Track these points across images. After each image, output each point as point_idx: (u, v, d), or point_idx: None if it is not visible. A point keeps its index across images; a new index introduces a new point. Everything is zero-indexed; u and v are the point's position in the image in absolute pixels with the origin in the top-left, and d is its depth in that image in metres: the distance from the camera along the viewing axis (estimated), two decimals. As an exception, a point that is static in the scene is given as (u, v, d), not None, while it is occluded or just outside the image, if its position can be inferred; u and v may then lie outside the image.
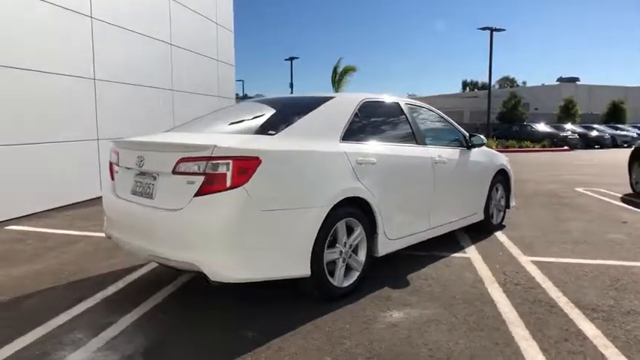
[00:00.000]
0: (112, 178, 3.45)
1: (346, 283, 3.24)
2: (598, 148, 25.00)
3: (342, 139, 3.32)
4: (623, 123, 34.70)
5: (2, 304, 3.19)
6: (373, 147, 3.54)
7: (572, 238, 5.04)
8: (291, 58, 36.67)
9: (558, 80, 49.99)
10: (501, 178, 5.36)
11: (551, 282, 3.62)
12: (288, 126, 3.13)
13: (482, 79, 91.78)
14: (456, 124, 4.95)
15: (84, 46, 7.20)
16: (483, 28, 27.84)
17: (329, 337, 2.68)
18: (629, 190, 8.44)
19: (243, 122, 3.59)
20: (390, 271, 3.81)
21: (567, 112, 34.88)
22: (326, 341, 2.62)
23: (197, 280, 3.66)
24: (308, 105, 3.49)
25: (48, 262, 4.10)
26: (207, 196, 2.66)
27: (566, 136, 24.60)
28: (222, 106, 5.39)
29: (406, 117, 4.11)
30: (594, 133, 26.50)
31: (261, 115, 3.59)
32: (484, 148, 5.11)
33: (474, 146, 4.85)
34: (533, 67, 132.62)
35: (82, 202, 7.04)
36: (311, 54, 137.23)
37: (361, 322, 2.87)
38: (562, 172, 12.24)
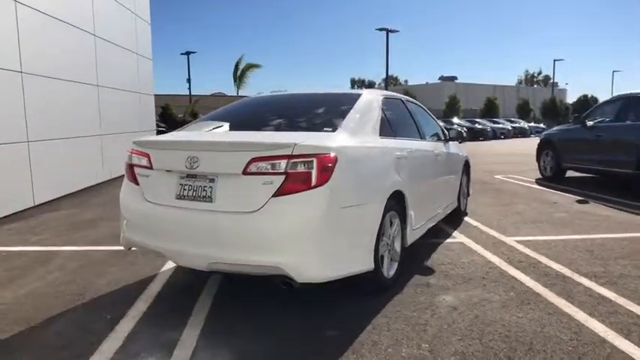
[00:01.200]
0: (137, 182, 3.14)
1: (392, 274, 3.36)
2: (482, 140, 28.04)
3: (380, 135, 3.43)
4: (497, 117, 39.35)
5: (25, 334, 2.74)
6: (401, 142, 3.70)
7: (529, 219, 5.72)
8: (188, 53, 35.21)
9: (440, 79, 54.87)
10: (465, 168, 5.88)
11: (545, 257, 4.11)
12: (339, 123, 3.14)
13: (369, 77, 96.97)
14: (435, 118, 5.32)
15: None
16: (380, 29, 29.53)
17: (410, 325, 2.78)
18: (539, 176, 9.71)
19: (286, 119, 3.48)
20: (406, 260, 4.01)
21: (452, 108, 38.52)
22: (410, 330, 2.72)
23: (231, 281, 3.52)
24: (341, 101, 3.54)
25: (34, 285, 3.57)
26: (289, 195, 2.58)
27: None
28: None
29: (409, 112, 4.34)
30: (478, 127, 29.68)
31: (300, 112, 3.57)
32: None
33: (452, 139, 5.27)
34: (413, 66, 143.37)
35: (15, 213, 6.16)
36: (210, 50, 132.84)
37: (425, 309, 3.02)
38: (472, 162, 13.58)
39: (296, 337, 2.69)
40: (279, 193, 2.59)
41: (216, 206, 2.74)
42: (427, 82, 48.45)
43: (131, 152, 3.21)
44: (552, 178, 9.18)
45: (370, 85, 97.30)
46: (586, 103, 53.08)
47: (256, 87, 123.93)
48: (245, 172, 2.66)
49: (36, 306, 3.15)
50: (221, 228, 2.71)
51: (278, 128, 3.31)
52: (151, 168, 3.05)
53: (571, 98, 53.26)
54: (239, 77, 32.77)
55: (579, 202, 6.87)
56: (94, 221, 5.78)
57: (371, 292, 3.21)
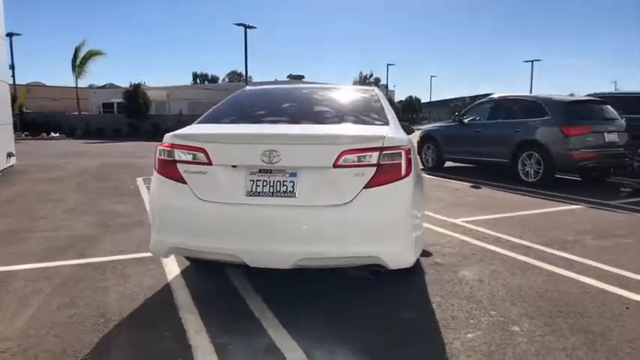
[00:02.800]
0: (182, 180, 2.84)
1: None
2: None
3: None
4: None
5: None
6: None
7: (452, 204, 6.61)
8: (10, 35, 29.71)
9: (288, 77, 56.63)
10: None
11: (501, 233, 4.89)
12: (384, 117, 3.33)
13: (212, 71, 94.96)
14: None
15: None
16: (238, 24, 29.29)
17: (464, 299, 3.13)
18: (421, 167, 11.05)
19: (328, 112, 3.50)
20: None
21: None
22: (468, 302, 3.08)
23: (269, 277, 3.40)
24: (362, 96, 3.76)
25: (27, 312, 2.93)
26: (381, 186, 2.69)
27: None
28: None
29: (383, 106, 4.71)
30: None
31: (334, 105, 3.64)
32: None
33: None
34: (260, 63, 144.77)
35: None
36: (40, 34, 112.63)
37: (460, 284, 3.41)
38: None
39: (382, 323, 2.83)
40: (370, 184, 2.68)
41: (301, 201, 2.69)
42: (276, 79, 49.59)
43: (172, 147, 2.90)
44: (433, 168, 10.57)
45: (214, 79, 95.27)
46: (412, 102, 60.79)
47: (99, 77, 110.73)
48: (335, 165, 2.68)
49: (61, 337, 2.63)
50: (311, 223, 2.68)
51: (329, 121, 3.32)
52: (209, 164, 2.81)
53: (398, 97, 60.39)
54: (79, 65, 29.06)
55: (474, 187, 8.12)
56: (13, 233, 4.78)
57: (413, 272, 3.44)
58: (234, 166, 2.79)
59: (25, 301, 3.10)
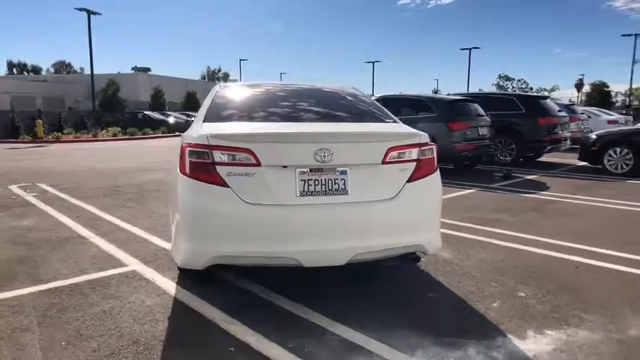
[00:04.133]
0: (223, 183, 2.68)
1: None
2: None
3: None
4: (196, 110, 40.96)
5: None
6: None
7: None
8: None
9: (133, 69, 52.21)
10: None
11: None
12: (389, 115, 3.54)
13: (31, 60, 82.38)
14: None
15: None
16: (80, 9, 26.05)
17: (458, 276, 3.56)
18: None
19: (345, 111, 3.52)
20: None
21: (158, 100, 37.72)
22: (466, 279, 3.51)
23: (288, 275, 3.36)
24: (354, 95, 3.90)
25: (45, 348, 2.42)
26: (420, 180, 2.93)
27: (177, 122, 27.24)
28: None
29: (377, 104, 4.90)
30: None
31: (346, 105, 3.68)
32: None
33: None
34: (97, 52, 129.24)
35: None
36: None
37: (443, 264, 3.84)
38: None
39: (419, 304, 3.09)
40: (412, 178, 2.91)
41: (352, 198, 2.78)
42: (119, 72, 45.32)
43: (209, 148, 2.70)
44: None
45: (35, 70, 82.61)
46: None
47: None
48: (384, 162, 2.83)
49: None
50: (365, 218, 2.79)
51: (355, 119, 3.38)
52: (257, 165, 2.69)
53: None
54: None
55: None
56: None
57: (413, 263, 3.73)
58: (284, 167, 2.73)
59: (17, 342, 2.55)
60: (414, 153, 2.93)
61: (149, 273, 3.60)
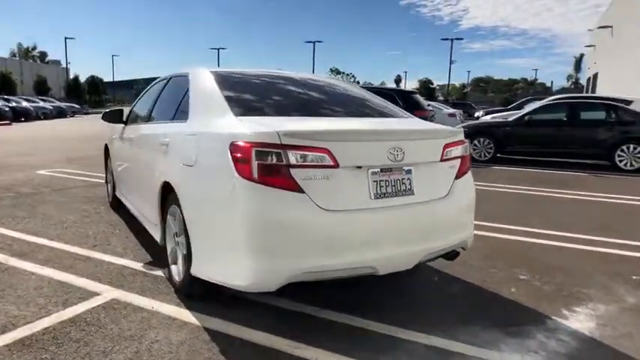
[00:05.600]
0: (298, 189, 2.32)
1: None
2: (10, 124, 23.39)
3: None
4: (14, 94, 34.57)
5: None
6: None
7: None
8: None
9: None
10: None
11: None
12: (399, 109, 3.48)
13: None
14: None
15: None
16: None
17: (458, 266, 3.73)
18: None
19: (373, 104, 3.40)
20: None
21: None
22: (468, 268, 3.70)
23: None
24: (350, 85, 3.79)
25: None
26: (463, 177, 2.96)
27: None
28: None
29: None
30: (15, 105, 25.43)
31: (363, 99, 3.51)
32: None
33: None
34: None
35: None
36: None
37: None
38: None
39: (449, 299, 3.14)
40: (458, 175, 2.93)
41: (417, 198, 2.68)
42: None
43: (282, 148, 2.30)
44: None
45: None
46: (95, 82, 55.12)
47: None
48: (441, 159, 2.79)
49: None
50: (430, 218, 2.72)
51: (388, 114, 3.26)
52: (335, 166, 2.40)
53: (77, 76, 53.23)
54: None
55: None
56: None
57: None
58: (358, 167, 2.48)
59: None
60: (460, 150, 2.95)
61: (138, 300, 2.94)
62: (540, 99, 18.32)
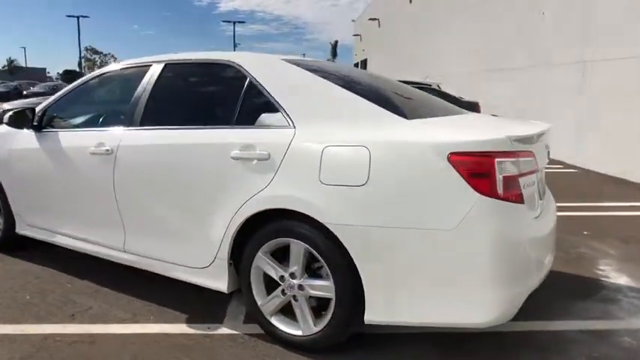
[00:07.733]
0: (521, 199, 2.03)
1: None
2: None
3: None
4: None
5: None
6: None
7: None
8: None
9: None
10: None
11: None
12: None
13: None
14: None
15: None
16: None
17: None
18: None
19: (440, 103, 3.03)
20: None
21: None
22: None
23: None
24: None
25: None
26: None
27: None
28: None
29: None
30: None
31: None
32: None
33: None
34: None
35: None
36: None
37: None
38: None
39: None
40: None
41: (544, 201, 2.54)
42: None
43: (516, 156, 2.00)
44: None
45: None
46: None
47: None
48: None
49: None
50: (554, 224, 2.59)
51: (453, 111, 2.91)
52: (537, 171, 2.25)
53: None
54: None
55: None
56: None
57: None
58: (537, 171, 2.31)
59: None
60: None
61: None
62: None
